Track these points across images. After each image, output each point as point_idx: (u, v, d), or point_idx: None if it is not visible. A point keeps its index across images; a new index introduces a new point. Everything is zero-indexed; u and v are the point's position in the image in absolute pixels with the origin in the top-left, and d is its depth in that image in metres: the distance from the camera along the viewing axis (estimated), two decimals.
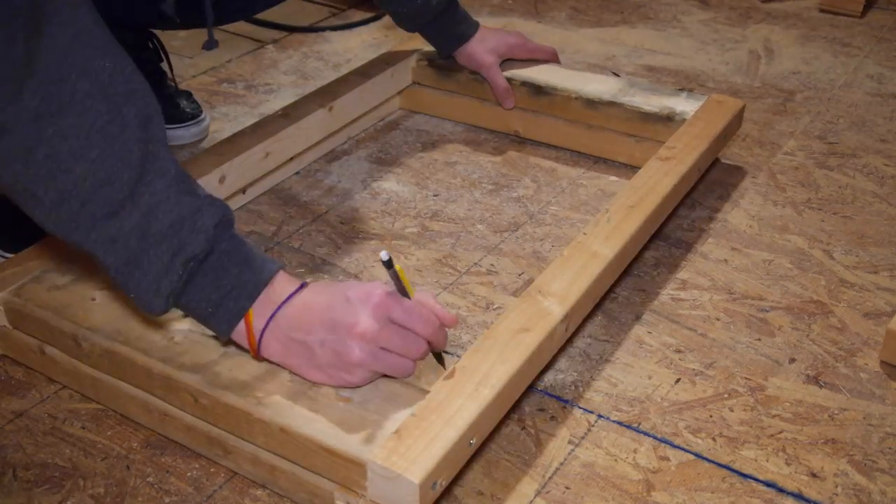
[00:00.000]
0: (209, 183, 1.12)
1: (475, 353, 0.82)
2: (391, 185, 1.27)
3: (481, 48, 1.32)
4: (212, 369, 0.80)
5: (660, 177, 1.10)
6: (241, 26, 1.77)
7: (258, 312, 0.75)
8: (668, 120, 1.25)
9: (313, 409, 0.76)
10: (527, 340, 0.83)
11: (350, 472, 0.73)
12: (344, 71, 1.60)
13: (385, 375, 0.79)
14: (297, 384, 0.78)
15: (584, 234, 0.99)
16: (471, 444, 0.75)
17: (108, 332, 0.85)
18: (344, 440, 0.73)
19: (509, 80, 1.34)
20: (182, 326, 0.85)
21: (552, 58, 1.39)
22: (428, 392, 0.78)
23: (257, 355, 0.78)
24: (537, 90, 1.33)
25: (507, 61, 1.36)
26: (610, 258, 0.95)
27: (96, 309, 0.88)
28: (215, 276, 0.74)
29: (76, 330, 0.85)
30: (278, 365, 0.79)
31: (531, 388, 0.92)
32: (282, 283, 0.77)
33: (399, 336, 0.76)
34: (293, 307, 0.76)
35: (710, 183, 1.28)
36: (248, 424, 0.77)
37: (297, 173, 1.29)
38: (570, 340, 0.98)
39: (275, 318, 0.75)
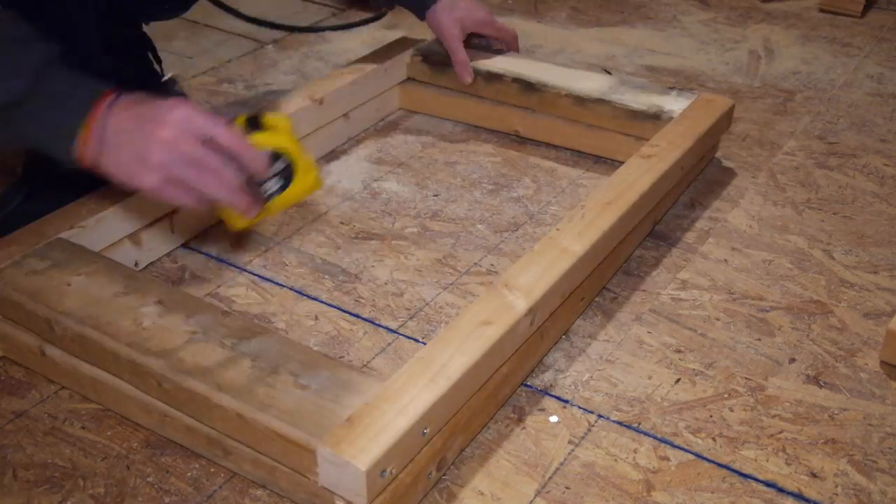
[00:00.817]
0: None
1: (435, 343, 0.82)
2: (391, 185, 1.27)
3: (448, 17, 1.33)
4: (176, 355, 0.81)
5: (639, 174, 1.10)
6: (242, 26, 1.77)
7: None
8: (656, 118, 1.25)
9: (270, 396, 0.77)
10: (488, 333, 0.84)
11: (302, 458, 0.74)
12: None
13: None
14: (258, 371, 0.80)
15: (558, 229, 0.99)
16: (424, 433, 0.76)
17: (80, 316, 0.86)
18: (296, 427, 0.74)
19: (499, 76, 1.34)
20: (149, 309, 0.87)
21: (513, 42, 1.42)
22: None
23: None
24: (528, 87, 1.33)
25: (480, 50, 1.40)
26: (580, 254, 0.95)
27: (70, 294, 0.89)
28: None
29: (49, 314, 0.86)
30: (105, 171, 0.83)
31: (531, 387, 0.92)
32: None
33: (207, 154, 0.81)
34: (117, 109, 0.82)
35: (710, 183, 1.28)
36: (207, 409, 0.79)
37: None
38: (570, 340, 0.99)
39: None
